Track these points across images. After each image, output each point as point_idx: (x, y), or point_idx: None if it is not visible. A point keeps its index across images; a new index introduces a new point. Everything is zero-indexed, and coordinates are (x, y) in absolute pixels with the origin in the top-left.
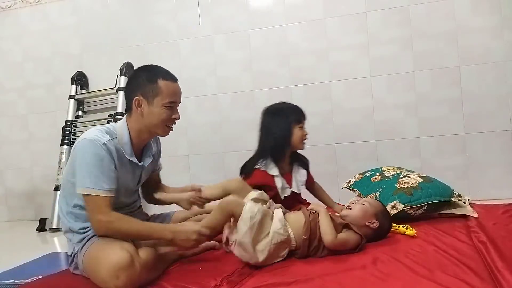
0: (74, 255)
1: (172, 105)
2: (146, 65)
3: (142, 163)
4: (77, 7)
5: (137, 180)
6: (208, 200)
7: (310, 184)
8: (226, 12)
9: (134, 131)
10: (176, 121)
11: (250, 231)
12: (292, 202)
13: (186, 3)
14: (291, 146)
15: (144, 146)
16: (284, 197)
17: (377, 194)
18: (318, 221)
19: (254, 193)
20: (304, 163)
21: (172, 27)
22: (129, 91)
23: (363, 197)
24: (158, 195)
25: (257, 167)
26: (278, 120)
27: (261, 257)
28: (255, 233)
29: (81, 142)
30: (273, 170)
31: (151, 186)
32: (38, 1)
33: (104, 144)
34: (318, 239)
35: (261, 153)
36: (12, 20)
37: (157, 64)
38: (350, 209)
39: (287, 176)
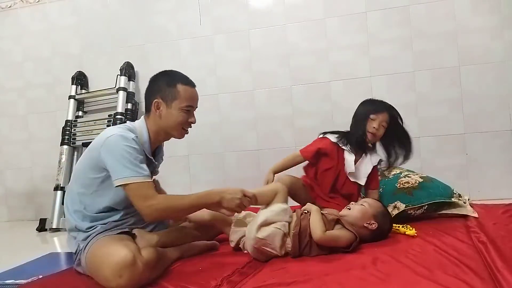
0: (79, 253)
1: (189, 109)
2: (166, 70)
3: (156, 162)
4: (77, 7)
5: None
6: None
7: (369, 189)
8: (226, 12)
9: (152, 132)
10: (192, 124)
11: (273, 215)
12: (352, 193)
13: (186, 3)
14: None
15: (157, 147)
16: (344, 181)
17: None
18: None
19: (280, 207)
20: (377, 162)
21: (172, 27)
22: (149, 94)
23: (363, 197)
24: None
25: (333, 140)
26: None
27: (260, 234)
28: (271, 219)
29: (112, 138)
30: (347, 147)
31: None
32: (38, 1)
33: (133, 139)
34: (309, 235)
35: (344, 135)
36: (12, 20)
37: (176, 70)
38: (350, 209)
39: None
